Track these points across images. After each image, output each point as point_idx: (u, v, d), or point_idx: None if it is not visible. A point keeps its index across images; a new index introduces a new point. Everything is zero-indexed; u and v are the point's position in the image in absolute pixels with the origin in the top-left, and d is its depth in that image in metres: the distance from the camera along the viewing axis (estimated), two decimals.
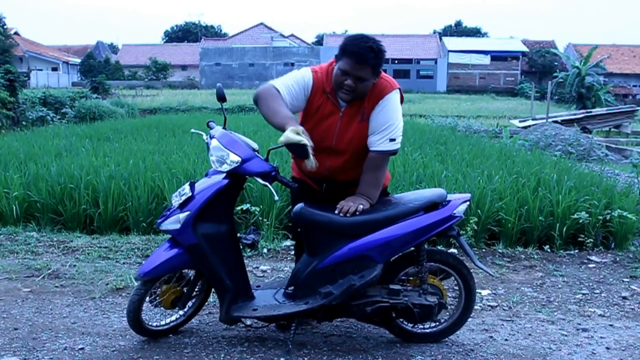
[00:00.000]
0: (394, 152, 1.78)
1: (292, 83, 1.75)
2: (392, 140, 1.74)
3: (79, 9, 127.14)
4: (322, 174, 1.83)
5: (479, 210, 3.14)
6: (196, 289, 1.92)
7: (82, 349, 1.84)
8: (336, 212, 1.72)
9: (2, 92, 8.77)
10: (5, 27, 28.60)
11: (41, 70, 31.97)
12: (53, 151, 5.21)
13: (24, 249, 2.94)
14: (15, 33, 32.64)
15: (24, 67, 28.95)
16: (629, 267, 2.84)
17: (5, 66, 9.85)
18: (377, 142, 1.73)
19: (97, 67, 32.10)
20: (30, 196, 3.49)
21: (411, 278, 1.85)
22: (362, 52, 1.63)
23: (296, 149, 1.67)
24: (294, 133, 1.53)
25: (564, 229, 3.11)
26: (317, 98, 1.76)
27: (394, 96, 1.75)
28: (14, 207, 3.40)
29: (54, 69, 34.62)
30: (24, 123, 9.33)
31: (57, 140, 6.24)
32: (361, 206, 1.72)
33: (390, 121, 1.73)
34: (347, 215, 1.71)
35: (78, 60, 36.11)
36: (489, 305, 2.31)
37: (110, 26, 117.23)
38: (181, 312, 1.94)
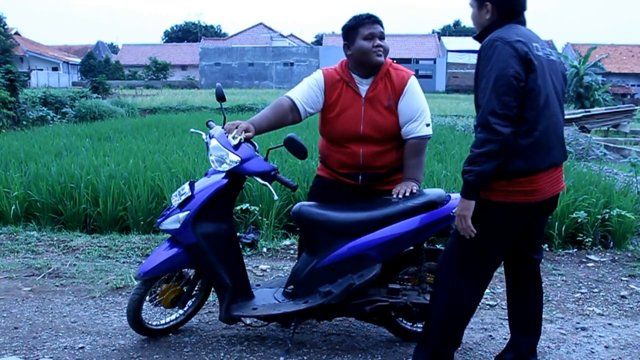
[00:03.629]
0: (430, 136, 1.88)
1: (304, 86, 1.87)
2: (428, 125, 1.85)
3: (80, 9, 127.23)
4: (357, 165, 1.85)
5: None
6: (196, 288, 1.93)
7: (82, 347, 1.85)
8: (393, 195, 1.78)
9: (3, 91, 8.78)
10: (5, 27, 28.62)
11: (41, 70, 31.97)
12: (53, 151, 5.21)
13: (25, 248, 2.95)
14: (16, 33, 32.66)
15: (24, 67, 28.96)
16: (627, 266, 2.84)
17: (6, 66, 9.85)
18: (416, 129, 1.82)
19: (97, 66, 32.11)
20: (30, 195, 3.49)
21: (410, 277, 1.86)
22: (370, 15, 1.81)
23: (294, 149, 1.68)
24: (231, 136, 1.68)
25: (563, 228, 3.11)
26: (334, 91, 1.85)
27: (415, 83, 1.87)
28: (15, 207, 3.41)
29: (55, 69, 34.62)
30: (24, 122, 9.34)
31: (58, 140, 6.25)
32: (415, 188, 1.80)
33: (421, 107, 1.84)
34: (404, 196, 1.76)
35: (78, 60, 36.11)
36: (487, 305, 2.32)
37: (110, 26, 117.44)
38: (181, 311, 1.95)
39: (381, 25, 1.82)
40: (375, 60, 1.79)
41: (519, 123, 1.38)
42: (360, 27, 1.79)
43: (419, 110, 1.82)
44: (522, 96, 1.36)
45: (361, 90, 1.83)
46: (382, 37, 1.81)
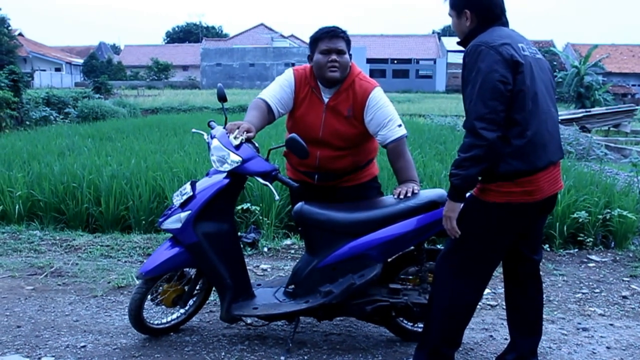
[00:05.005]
0: (406, 136, 1.89)
1: (276, 87, 1.90)
2: (400, 125, 1.87)
3: (82, 10, 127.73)
4: (313, 165, 1.91)
5: None
6: (197, 288, 1.93)
7: (84, 346, 1.86)
8: (394, 196, 1.79)
9: (6, 92, 8.81)
10: (9, 28, 28.76)
11: (45, 70, 32.12)
12: (56, 150, 5.23)
13: (27, 247, 2.96)
14: (20, 34, 32.82)
15: (27, 68, 29.10)
16: (629, 267, 2.83)
17: (10, 67, 9.88)
18: (390, 134, 1.85)
19: (100, 67, 32.25)
20: (33, 195, 3.51)
21: (411, 277, 1.86)
22: (332, 29, 1.83)
23: (296, 150, 1.69)
24: (232, 137, 1.69)
25: (564, 228, 3.10)
26: (301, 91, 1.89)
27: (378, 94, 1.87)
28: (18, 206, 3.43)
29: (57, 70, 34.77)
30: (27, 123, 9.38)
31: (60, 140, 6.27)
32: (416, 188, 1.81)
33: (388, 115, 1.86)
34: (406, 196, 1.78)
35: (81, 61, 36.25)
36: (488, 305, 2.32)
37: (112, 27, 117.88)
38: (182, 311, 1.95)
39: (344, 39, 1.82)
40: (329, 76, 1.80)
41: (510, 125, 1.38)
42: (319, 40, 1.81)
43: (386, 118, 1.84)
44: (510, 99, 1.37)
45: (324, 98, 1.87)
46: (340, 52, 1.80)
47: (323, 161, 1.89)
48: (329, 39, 1.80)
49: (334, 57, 1.79)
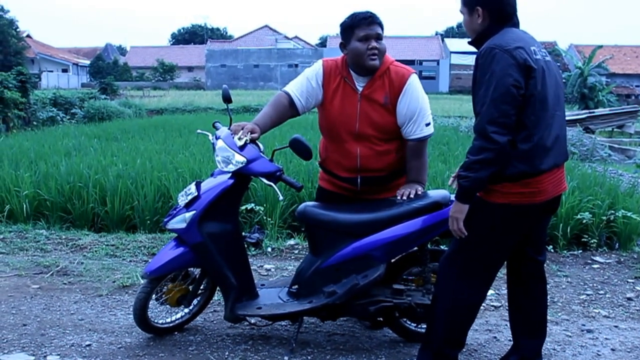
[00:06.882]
0: (431, 135, 1.83)
1: (302, 80, 1.83)
2: (427, 124, 1.79)
3: (89, 12, 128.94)
4: (353, 166, 1.82)
5: None
6: (201, 287, 1.94)
7: (88, 345, 1.87)
8: (398, 197, 1.77)
9: (14, 92, 8.91)
10: (18, 30, 29.07)
11: (52, 71, 32.42)
12: (63, 150, 5.28)
13: (34, 246, 2.99)
14: (28, 35, 33.16)
15: (35, 69, 29.38)
16: (633, 268, 2.81)
17: (18, 68, 10.00)
18: (415, 130, 1.78)
19: (106, 68, 32.51)
20: (40, 194, 3.54)
21: (414, 278, 1.86)
22: (369, 15, 1.75)
23: (299, 151, 1.70)
24: (237, 138, 1.69)
25: (568, 229, 3.09)
26: (332, 82, 1.81)
27: (416, 81, 1.79)
28: (25, 205, 3.46)
29: (64, 71, 35.09)
30: (34, 123, 9.48)
31: (67, 140, 6.33)
32: (419, 190, 1.78)
33: (420, 106, 1.77)
34: (409, 198, 1.75)
35: (87, 62, 36.58)
36: (492, 306, 2.31)
37: (118, 28, 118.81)
38: (186, 310, 1.96)
39: (380, 25, 1.74)
40: (369, 64, 1.72)
41: (518, 129, 1.38)
42: (356, 28, 1.72)
43: (418, 110, 1.76)
44: (521, 103, 1.36)
45: (358, 87, 1.78)
46: (378, 38, 1.73)
47: (365, 159, 1.78)
48: (367, 25, 1.71)
49: (374, 44, 1.70)
